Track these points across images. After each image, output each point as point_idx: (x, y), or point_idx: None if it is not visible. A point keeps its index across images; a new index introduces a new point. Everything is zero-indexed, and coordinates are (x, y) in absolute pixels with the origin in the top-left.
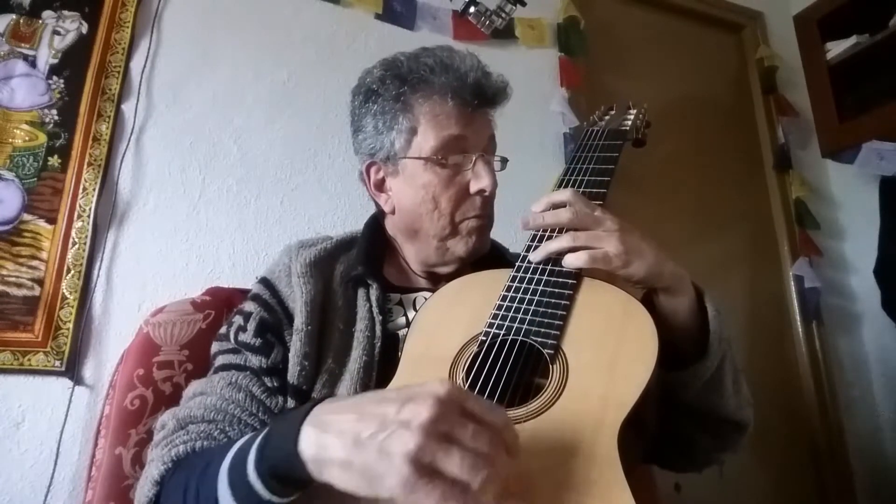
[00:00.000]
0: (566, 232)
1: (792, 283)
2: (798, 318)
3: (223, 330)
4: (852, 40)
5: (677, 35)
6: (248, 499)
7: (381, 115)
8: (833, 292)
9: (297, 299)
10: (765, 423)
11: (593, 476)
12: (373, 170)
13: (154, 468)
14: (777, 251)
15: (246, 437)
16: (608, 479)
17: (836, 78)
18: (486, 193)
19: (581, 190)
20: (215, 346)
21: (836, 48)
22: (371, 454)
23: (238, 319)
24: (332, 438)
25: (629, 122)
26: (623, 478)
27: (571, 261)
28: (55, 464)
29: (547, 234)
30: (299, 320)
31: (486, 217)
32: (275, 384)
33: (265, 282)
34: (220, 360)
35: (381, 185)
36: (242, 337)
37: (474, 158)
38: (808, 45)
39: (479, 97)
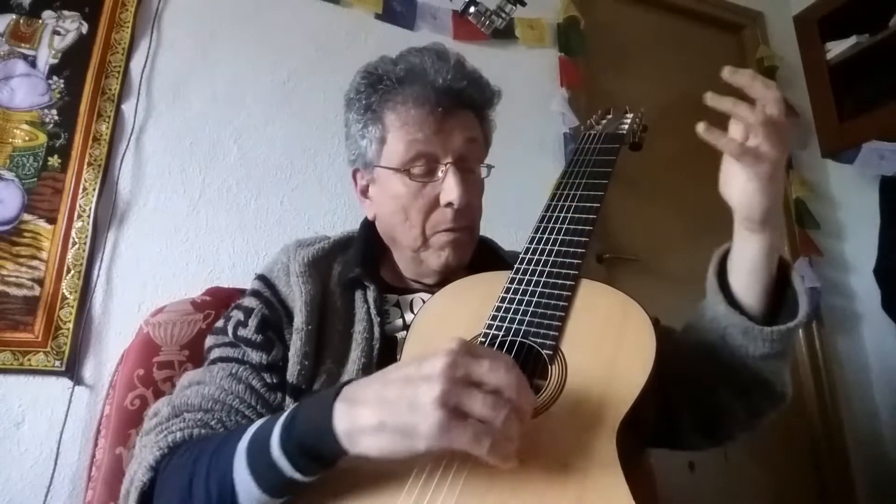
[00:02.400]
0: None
1: None
2: None
3: (220, 324)
4: (852, 40)
5: (677, 35)
6: (270, 477)
7: (356, 123)
8: (833, 292)
9: (297, 299)
10: (765, 423)
11: (592, 476)
12: (358, 176)
13: (149, 453)
14: None
15: (263, 420)
16: (607, 480)
17: (836, 78)
18: (455, 206)
19: (579, 193)
20: (210, 340)
21: (836, 48)
22: (402, 410)
23: (237, 314)
24: (362, 408)
25: (626, 126)
26: (622, 478)
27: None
28: (55, 464)
29: (550, 226)
30: (299, 319)
31: (460, 230)
32: (274, 381)
33: (263, 279)
34: (216, 353)
35: (365, 192)
36: (242, 332)
37: (445, 168)
38: (808, 45)
39: (451, 101)
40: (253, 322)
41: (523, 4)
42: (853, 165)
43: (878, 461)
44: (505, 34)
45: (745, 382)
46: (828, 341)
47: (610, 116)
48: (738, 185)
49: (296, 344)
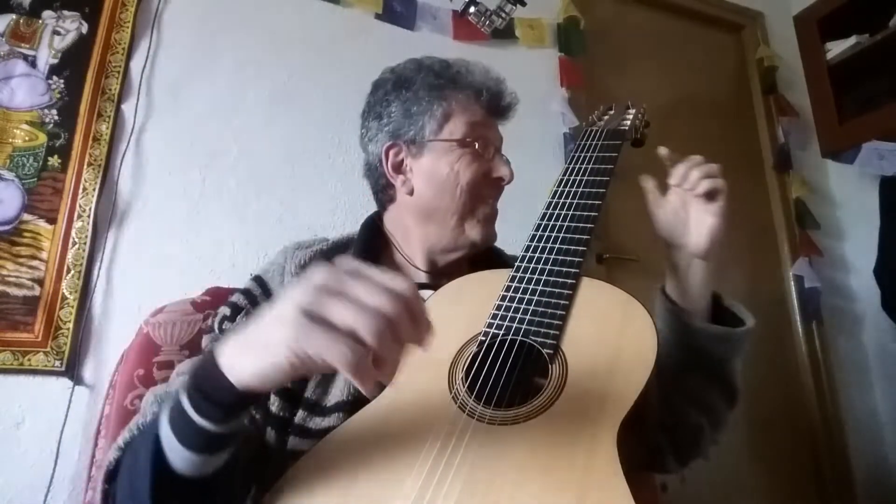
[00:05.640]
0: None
1: (792, 283)
2: (798, 318)
3: (209, 322)
4: (852, 40)
5: (677, 35)
6: (182, 426)
7: (415, 101)
8: (833, 292)
9: None
10: (765, 423)
11: (592, 476)
12: (392, 151)
13: (121, 436)
14: (777, 251)
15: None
16: (607, 479)
17: (836, 78)
18: (505, 182)
19: (580, 190)
20: (204, 340)
21: (836, 48)
22: (265, 323)
23: (224, 310)
24: (238, 337)
25: (628, 122)
26: (622, 478)
27: (717, 182)
28: (55, 464)
29: (551, 223)
30: None
31: (496, 205)
32: None
33: (258, 279)
34: (207, 348)
35: (398, 167)
36: (228, 326)
37: (493, 152)
38: (808, 45)
39: (497, 104)
40: (240, 319)
41: (523, 4)
42: (853, 165)
43: (877, 461)
44: (505, 34)
45: (709, 397)
46: (828, 341)
47: (612, 112)
48: (703, 225)
49: None
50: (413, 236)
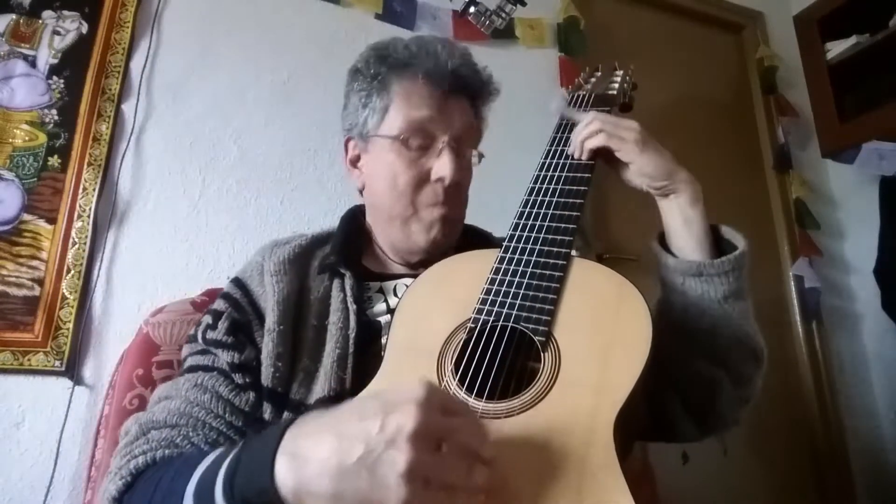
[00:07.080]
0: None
1: (792, 283)
2: (798, 318)
3: (192, 331)
4: (852, 40)
5: (677, 35)
6: None
7: (360, 93)
8: (833, 292)
9: (269, 298)
10: (765, 423)
11: (589, 467)
12: (350, 145)
13: (112, 484)
14: (777, 251)
15: (213, 457)
16: (604, 471)
17: (836, 78)
18: (445, 183)
19: (569, 162)
20: (185, 350)
21: (836, 48)
22: (363, 482)
23: (207, 318)
24: (313, 470)
25: (616, 86)
26: (619, 469)
27: (592, 142)
28: (55, 464)
29: (539, 199)
30: (271, 320)
31: (449, 207)
32: (246, 380)
33: (237, 281)
34: (188, 363)
35: (355, 162)
36: (211, 335)
37: (441, 146)
38: (808, 45)
39: (456, 84)
40: (222, 325)
41: (523, 4)
42: (853, 165)
43: (878, 461)
44: (505, 34)
45: (720, 345)
46: (828, 341)
47: (599, 74)
48: (628, 170)
49: (268, 346)
50: (377, 231)
